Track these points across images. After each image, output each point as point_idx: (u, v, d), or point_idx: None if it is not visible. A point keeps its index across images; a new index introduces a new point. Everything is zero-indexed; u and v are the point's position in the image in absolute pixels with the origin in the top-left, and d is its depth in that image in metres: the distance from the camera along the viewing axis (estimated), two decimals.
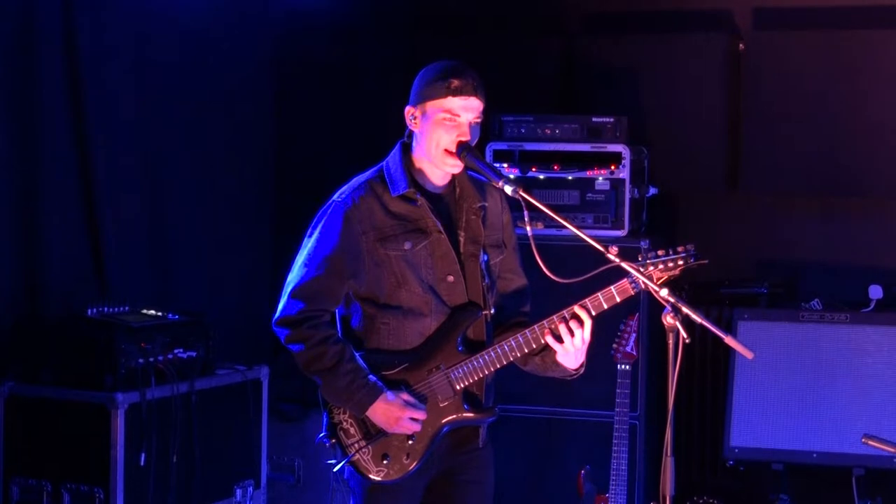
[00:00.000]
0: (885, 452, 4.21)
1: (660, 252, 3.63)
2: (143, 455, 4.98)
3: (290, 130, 6.68)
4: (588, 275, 3.68)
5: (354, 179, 3.80)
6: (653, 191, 6.00)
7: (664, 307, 3.48)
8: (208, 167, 6.15)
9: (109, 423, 4.90)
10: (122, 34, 5.65)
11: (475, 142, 3.71)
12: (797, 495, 5.60)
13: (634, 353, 5.10)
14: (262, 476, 5.60)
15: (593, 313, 3.67)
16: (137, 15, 5.72)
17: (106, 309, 5.22)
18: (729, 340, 3.50)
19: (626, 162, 5.77)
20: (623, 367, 5.10)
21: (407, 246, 3.70)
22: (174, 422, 5.11)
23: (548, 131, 5.88)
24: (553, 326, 3.68)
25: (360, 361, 3.71)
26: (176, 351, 5.20)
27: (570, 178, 5.82)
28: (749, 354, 3.60)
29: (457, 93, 3.65)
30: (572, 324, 3.65)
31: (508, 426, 5.70)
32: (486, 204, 3.82)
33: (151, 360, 5.07)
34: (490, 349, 3.72)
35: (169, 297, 5.72)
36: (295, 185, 6.56)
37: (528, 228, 3.62)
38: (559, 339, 3.67)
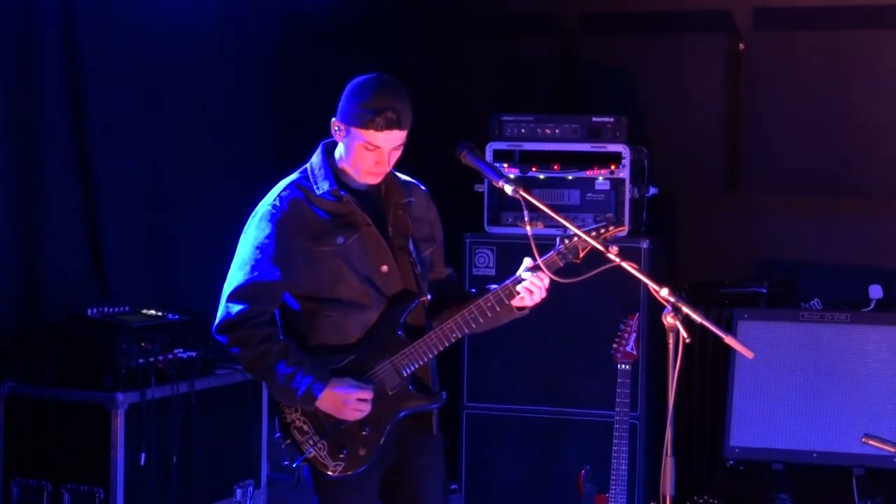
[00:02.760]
0: (885, 452, 4.22)
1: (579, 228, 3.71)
2: (143, 455, 4.98)
3: (289, 131, 6.67)
4: (588, 274, 3.69)
5: (280, 183, 3.88)
6: (653, 191, 6.00)
7: (664, 307, 3.48)
8: (208, 167, 6.15)
9: (109, 423, 4.90)
10: (122, 34, 5.64)
11: (392, 166, 3.77)
12: (797, 495, 5.60)
13: (634, 352, 5.10)
14: (262, 476, 5.60)
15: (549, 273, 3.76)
16: (137, 15, 5.72)
17: (106, 309, 5.22)
18: (729, 340, 3.51)
19: (626, 162, 5.77)
20: (623, 366, 5.10)
21: (339, 241, 3.76)
22: (174, 422, 5.11)
23: (548, 131, 5.88)
24: (489, 304, 3.75)
25: (304, 355, 3.74)
26: (176, 351, 5.20)
27: (570, 177, 5.82)
28: (749, 354, 3.60)
29: (379, 127, 3.71)
30: (529, 284, 3.72)
31: (508, 426, 5.71)
32: (412, 200, 3.89)
33: (151, 360, 5.07)
34: (431, 334, 3.78)
35: (169, 297, 5.71)
36: None
37: (528, 228, 3.64)
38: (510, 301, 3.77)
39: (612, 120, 5.82)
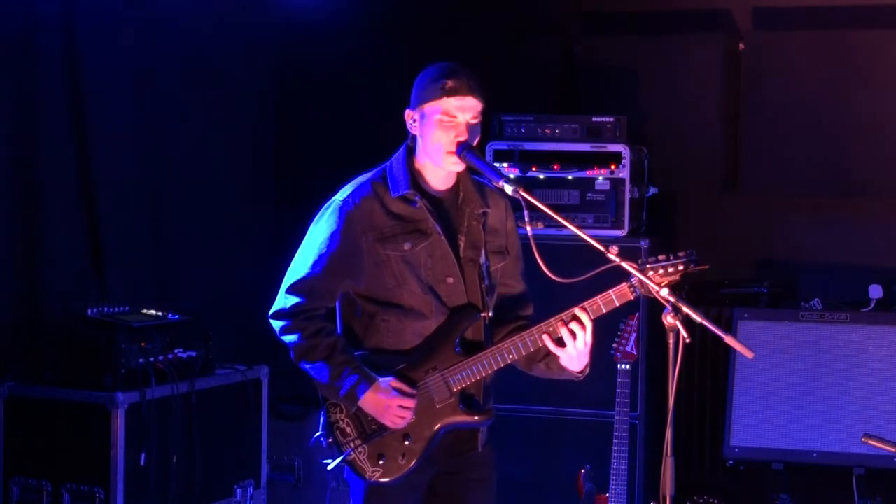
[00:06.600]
0: (885, 452, 4.21)
1: (660, 256, 3.63)
2: (143, 455, 4.98)
3: (290, 131, 6.68)
4: (588, 275, 3.68)
5: (356, 179, 3.80)
6: (653, 191, 6.00)
7: (664, 307, 3.48)
8: (208, 167, 6.16)
9: (109, 423, 4.90)
10: (122, 35, 5.65)
11: (475, 141, 3.71)
12: (797, 495, 5.60)
13: (634, 352, 5.09)
14: (262, 476, 5.60)
15: (592, 317, 3.68)
16: (139, 17, 5.72)
17: (106, 309, 5.22)
18: (729, 340, 3.50)
19: (626, 162, 5.77)
20: (623, 366, 5.10)
21: (406, 246, 3.70)
22: (174, 422, 5.11)
23: (548, 131, 5.88)
24: (551, 329, 3.69)
25: (353, 354, 3.72)
26: (176, 351, 5.20)
27: (570, 177, 5.82)
28: (749, 354, 3.60)
29: (452, 93, 3.66)
30: (573, 326, 3.66)
31: (508, 426, 5.70)
32: (489, 210, 3.82)
33: (151, 360, 5.07)
34: (487, 352, 3.72)
35: (169, 297, 5.72)
36: (294, 185, 6.56)
37: (529, 228, 3.62)
38: (560, 343, 3.68)
39: (611, 120, 5.82)
